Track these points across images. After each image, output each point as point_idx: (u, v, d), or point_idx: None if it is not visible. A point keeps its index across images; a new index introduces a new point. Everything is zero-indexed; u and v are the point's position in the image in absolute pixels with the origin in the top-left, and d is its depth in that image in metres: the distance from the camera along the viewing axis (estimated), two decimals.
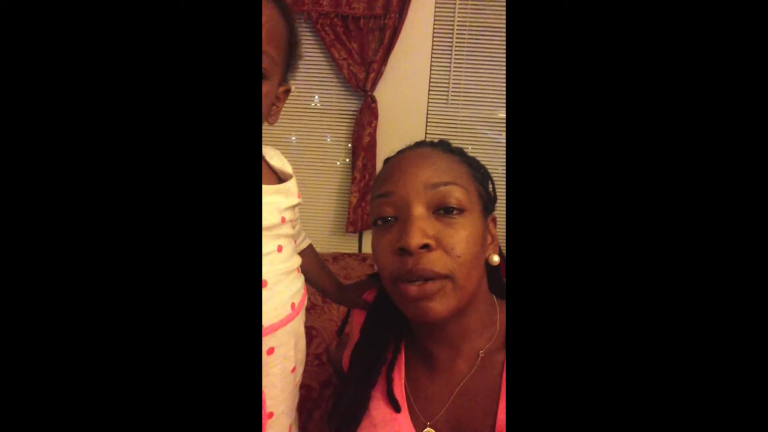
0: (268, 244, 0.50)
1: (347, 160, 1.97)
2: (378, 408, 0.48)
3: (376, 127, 1.86)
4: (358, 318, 0.59)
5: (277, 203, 0.52)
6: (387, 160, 0.51)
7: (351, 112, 1.92)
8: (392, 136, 1.88)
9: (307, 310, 1.16)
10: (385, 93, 1.86)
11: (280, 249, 0.52)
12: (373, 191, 0.49)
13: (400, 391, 0.48)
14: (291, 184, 0.55)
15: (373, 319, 0.55)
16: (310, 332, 1.07)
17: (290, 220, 0.55)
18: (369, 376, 0.50)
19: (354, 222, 1.93)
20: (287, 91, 0.52)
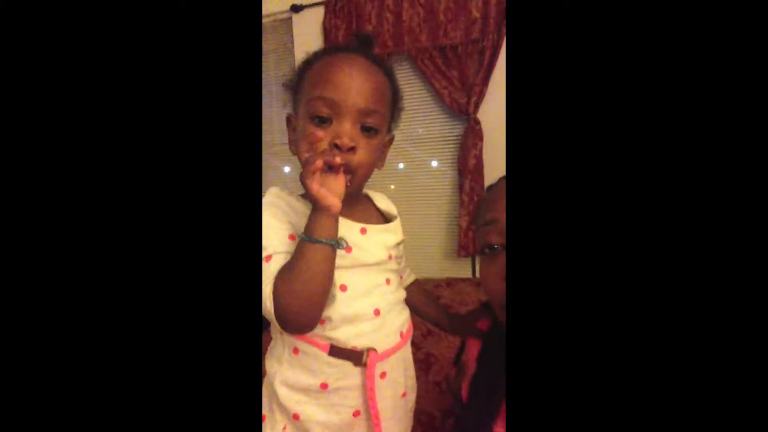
0: (377, 278, 0.56)
1: (455, 184, 1.97)
2: None
3: (481, 148, 1.84)
4: (473, 347, 0.58)
5: (384, 241, 0.57)
6: (489, 188, 0.51)
7: (455, 137, 1.94)
8: (499, 156, 1.84)
9: (425, 337, 1.17)
10: (488, 114, 1.84)
11: (388, 282, 0.57)
12: (477, 220, 0.49)
13: None
14: (396, 224, 0.61)
15: (489, 350, 0.54)
16: (429, 359, 1.07)
17: (396, 257, 0.60)
18: (490, 410, 0.48)
19: (465, 246, 1.90)
20: (391, 139, 0.60)
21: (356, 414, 0.53)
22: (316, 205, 0.47)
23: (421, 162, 2.02)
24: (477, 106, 1.81)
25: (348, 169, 0.49)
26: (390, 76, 0.55)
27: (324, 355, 0.52)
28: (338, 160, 0.46)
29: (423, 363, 1.05)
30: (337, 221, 0.49)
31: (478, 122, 1.83)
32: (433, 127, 1.98)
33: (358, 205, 0.59)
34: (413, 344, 1.15)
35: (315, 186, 0.46)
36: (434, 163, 2.01)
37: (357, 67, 0.51)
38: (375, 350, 0.53)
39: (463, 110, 1.83)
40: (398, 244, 0.60)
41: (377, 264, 0.55)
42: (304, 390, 0.53)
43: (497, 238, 0.44)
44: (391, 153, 0.60)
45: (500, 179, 0.50)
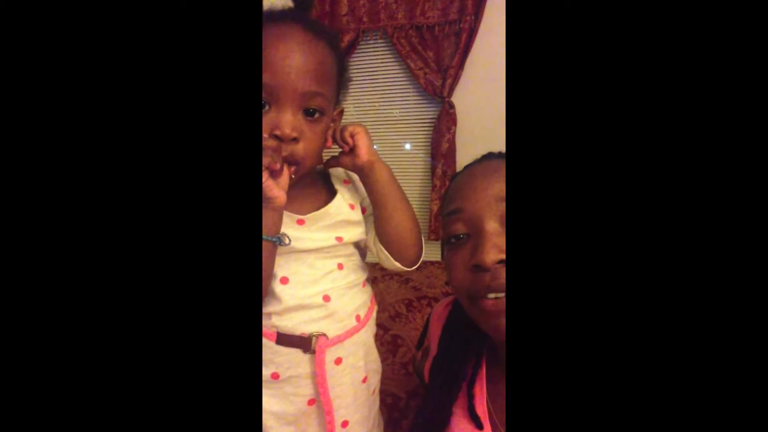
0: (326, 264, 0.52)
1: (427, 167, 1.97)
2: (459, 424, 0.47)
3: (455, 133, 1.84)
4: (435, 331, 0.58)
5: (327, 227, 0.52)
6: (454, 177, 0.50)
7: (429, 120, 1.93)
8: (471, 141, 1.84)
9: (393, 319, 1.17)
10: (463, 98, 1.83)
11: (340, 267, 0.53)
12: (442, 209, 0.48)
13: (481, 407, 0.47)
14: (335, 203, 0.54)
15: (451, 333, 0.54)
16: (396, 341, 1.08)
17: (350, 241, 0.54)
18: (449, 391, 0.49)
19: (436, 230, 1.92)
20: (341, 112, 0.54)
21: (311, 402, 0.52)
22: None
23: (394, 144, 2.00)
24: (452, 89, 1.80)
25: (292, 161, 0.45)
26: (333, 45, 0.48)
27: (272, 345, 0.50)
28: (277, 166, 0.42)
29: (390, 345, 1.06)
30: (281, 216, 0.46)
31: (452, 106, 1.82)
32: (407, 108, 1.95)
33: (303, 194, 0.52)
34: (380, 327, 1.14)
35: (263, 177, 0.42)
36: (407, 146, 2.00)
37: (295, 42, 0.44)
38: (325, 335, 0.50)
39: (437, 93, 1.82)
40: (349, 222, 0.54)
41: (322, 250, 0.52)
42: None
43: (462, 228, 0.44)
44: None
45: (465, 167, 0.49)
